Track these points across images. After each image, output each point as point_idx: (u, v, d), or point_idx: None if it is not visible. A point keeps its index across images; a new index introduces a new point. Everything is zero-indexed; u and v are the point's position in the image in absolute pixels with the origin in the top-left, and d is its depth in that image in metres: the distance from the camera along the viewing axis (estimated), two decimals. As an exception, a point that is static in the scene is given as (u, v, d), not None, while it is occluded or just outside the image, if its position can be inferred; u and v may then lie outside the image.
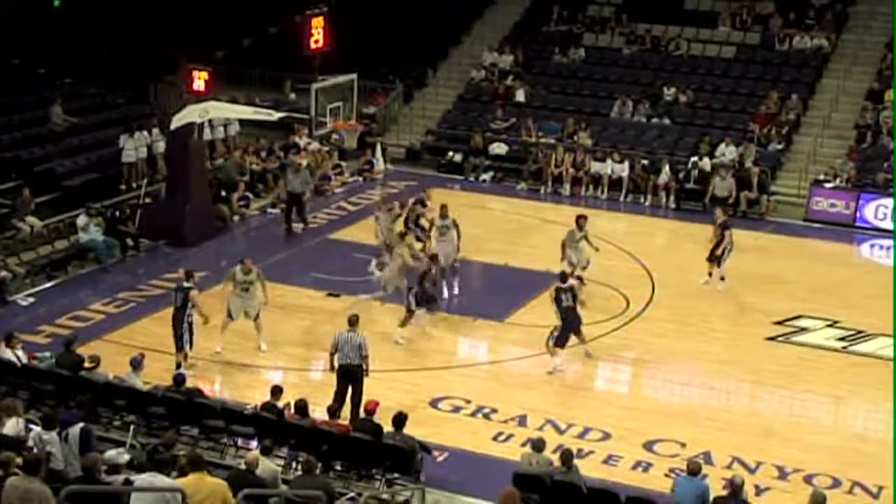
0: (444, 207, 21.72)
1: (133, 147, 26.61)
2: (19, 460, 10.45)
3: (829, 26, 32.65)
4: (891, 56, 30.82)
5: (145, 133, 27.02)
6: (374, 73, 32.22)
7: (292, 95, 32.15)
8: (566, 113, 31.23)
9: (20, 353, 16.25)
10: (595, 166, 28.56)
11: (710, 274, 21.99)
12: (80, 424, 12.77)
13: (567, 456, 13.32)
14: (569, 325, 18.10)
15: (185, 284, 17.76)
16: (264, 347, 18.50)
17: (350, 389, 15.89)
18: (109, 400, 15.16)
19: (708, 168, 28.10)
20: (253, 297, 18.48)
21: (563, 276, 18.56)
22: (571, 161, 28.79)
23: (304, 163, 27.06)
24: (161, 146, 26.67)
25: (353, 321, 16.28)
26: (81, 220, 22.43)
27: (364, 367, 16.00)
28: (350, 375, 15.92)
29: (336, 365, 16.08)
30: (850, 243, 25.90)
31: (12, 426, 12.63)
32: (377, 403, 14.70)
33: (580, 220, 21.34)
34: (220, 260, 22.88)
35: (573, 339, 18.32)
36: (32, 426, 13.04)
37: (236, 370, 17.89)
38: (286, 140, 29.52)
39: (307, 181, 25.77)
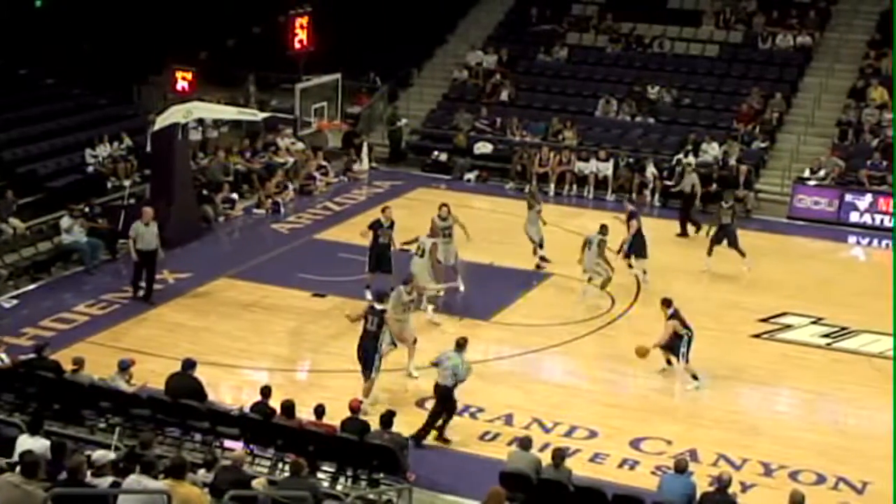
0: (443, 207, 21.31)
1: None
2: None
3: (812, 24, 32.77)
4: (872, 53, 30.98)
5: None
6: (358, 73, 32.19)
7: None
8: (551, 112, 31.31)
9: (3, 355, 16.17)
10: (579, 165, 28.67)
11: None
12: None
13: (559, 455, 13.30)
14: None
15: (380, 307, 16.58)
16: (415, 374, 17.46)
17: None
18: (94, 402, 15.09)
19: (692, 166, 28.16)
20: (410, 321, 17.91)
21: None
22: (557, 160, 28.89)
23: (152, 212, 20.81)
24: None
25: (461, 343, 15.89)
26: (65, 222, 22.34)
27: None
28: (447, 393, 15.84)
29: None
30: (833, 240, 25.96)
31: None
32: (361, 401, 14.77)
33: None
34: (203, 261, 22.80)
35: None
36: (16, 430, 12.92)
37: (222, 371, 17.82)
38: (264, 140, 29.34)
39: (157, 235, 20.58)
